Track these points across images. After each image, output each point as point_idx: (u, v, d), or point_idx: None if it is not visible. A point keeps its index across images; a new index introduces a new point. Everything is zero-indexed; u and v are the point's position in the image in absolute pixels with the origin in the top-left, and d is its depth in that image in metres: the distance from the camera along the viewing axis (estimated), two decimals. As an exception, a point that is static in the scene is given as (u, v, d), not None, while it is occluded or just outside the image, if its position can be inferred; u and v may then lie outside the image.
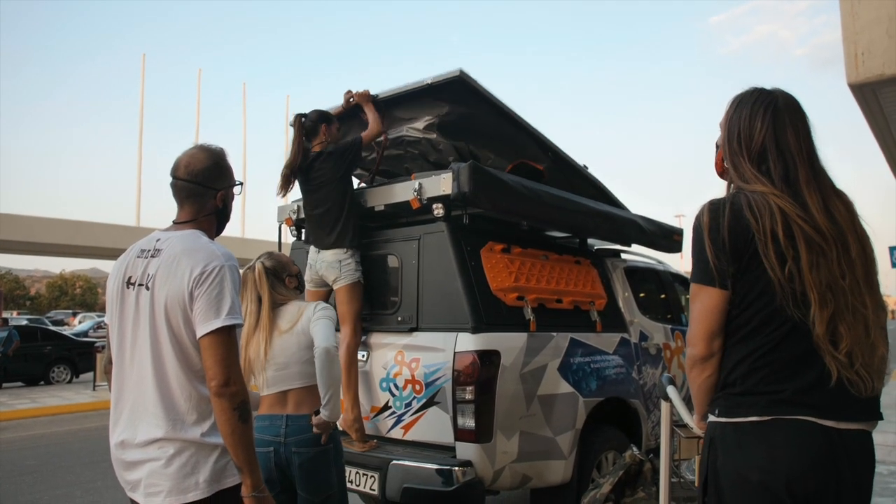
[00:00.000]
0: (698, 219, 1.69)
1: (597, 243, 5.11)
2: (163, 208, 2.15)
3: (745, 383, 1.62)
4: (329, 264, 3.77)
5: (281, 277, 2.88)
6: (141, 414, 1.89)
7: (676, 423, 2.15)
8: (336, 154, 3.86)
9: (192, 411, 1.88)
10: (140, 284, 1.91)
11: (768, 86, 1.79)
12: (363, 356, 3.81)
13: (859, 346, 1.58)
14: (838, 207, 1.65)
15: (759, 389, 1.60)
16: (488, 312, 3.50)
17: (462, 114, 4.09)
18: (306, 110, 4.04)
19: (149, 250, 1.95)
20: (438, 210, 3.60)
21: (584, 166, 4.89)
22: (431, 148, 4.34)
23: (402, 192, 3.77)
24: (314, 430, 2.63)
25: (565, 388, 3.77)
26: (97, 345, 14.71)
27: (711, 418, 1.71)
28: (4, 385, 14.52)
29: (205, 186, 2.01)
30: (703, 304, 1.68)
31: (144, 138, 33.17)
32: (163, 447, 1.86)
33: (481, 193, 3.53)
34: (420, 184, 3.66)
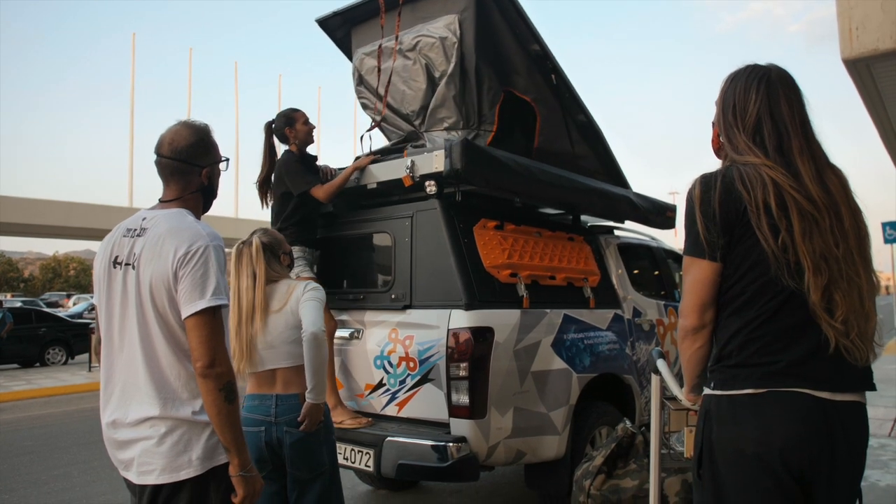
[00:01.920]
0: (690, 192, 1.70)
1: (591, 220, 5.10)
2: (155, 188, 2.11)
3: (741, 355, 1.63)
4: None
5: (276, 254, 2.86)
6: (132, 393, 1.88)
7: (666, 396, 2.16)
8: (283, 176, 3.92)
9: (183, 389, 1.87)
10: (126, 264, 1.89)
11: (763, 62, 1.79)
12: (358, 333, 3.81)
13: (854, 314, 1.58)
14: (832, 179, 1.66)
15: (754, 361, 1.61)
16: (481, 289, 3.49)
17: (481, 21, 4.07)
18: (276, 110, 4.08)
19: (135, 229, 1.93)
20: (431, 187, 3.58)
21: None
22: (444, 57, 4.16)
23: (395, 169, 3.75)
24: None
25: (559, 364, 3.78)
26: (91, 326, 14.70)
27: (707, 391, 1.72)
28: (0, 367, 14.54)
29: (189, 164, 1.97)
30: (695, 276, 1.69)
31: (136, 119, 32.84)
32: (154, 426, 1.85)
33: (473, 170, 3.51)
34: (412, 161, 3.64)
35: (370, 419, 3.68)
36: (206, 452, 1.88)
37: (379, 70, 4.43)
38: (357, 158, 4.09)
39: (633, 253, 5.15)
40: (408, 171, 3.62)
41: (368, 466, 3.53)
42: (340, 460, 3.65)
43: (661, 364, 2.12)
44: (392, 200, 3.99)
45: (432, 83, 4.22)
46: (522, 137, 4.42)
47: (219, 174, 2.09)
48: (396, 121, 4.50)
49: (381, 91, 4.42)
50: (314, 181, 3.85)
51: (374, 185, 3.88)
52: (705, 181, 1.68)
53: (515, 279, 3.70)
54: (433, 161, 3.54)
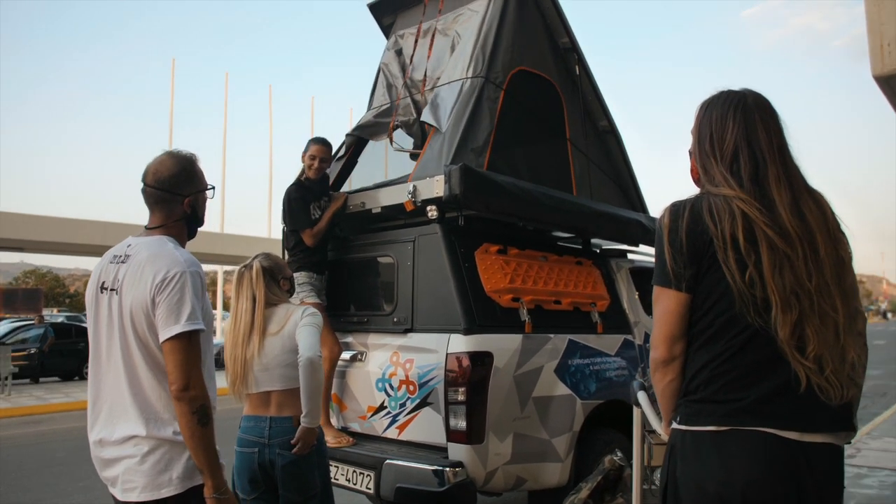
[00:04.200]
0: (660, 220, 1.67)
1: (605, 243, 5.08)
2: None
3: (706, 390, 1.59)
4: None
5: (276, 278, 2.92)
6: (118, 413, 1.96)
7: (648, 430, 2.13)
8: (285, 212, 4.10)
9: (164, 410, 1.93)
10: (111, 289, 1.97)
11: (736, 87, 1.76)
12: (361, 355, 3.86)
13: (828, 350, 1.52)
14: (809, 206, 1.60)
15: (719, 398, 1.56)
16: (481, 314, 3.50)
17: (517, 5, 4.27)
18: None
19: (120, 256, 2.01)
20: (432, 212, 3.62)
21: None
22: (466, 26, 4.37)
23: (397, 194, 3.80)
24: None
25: (562, 390, 3.75)
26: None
27: (674, 425, 1.68)
28: (41, 380, 15.02)
29: (172, 193, 2.05)
30: (663, 307, 1.66)
31: (174, 140, 33.80)
32: (138, 444, 1.92)
33: (473, 195, 3.53)
34: (414, 186, 3.68)
35: (353, 439, 3.73)
36: (186, 472, 1.93)
37: (415, 44, 4.59)
38: (333, 199, 4.22)
39: (647, 277, 5.07)
40: (410, 195, 3.67)
41: (369, 489, 3.55)
42: (343, 482, 3.68)
43: (641, 397, 2.09)
44: (397, 224, 4.04)
45: (454, 51, 4.39)
46: (545, 123, 4.56)
47: (203, 202, 2.16)
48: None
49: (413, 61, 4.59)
50: (305, 224, 3.98)
51: (379, 210, 3.94)
52: (674, 210, 1.65)
53: (517, 304, 3.69)
54: (434, 186, 3.58)
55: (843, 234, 1.65)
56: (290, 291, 3.02)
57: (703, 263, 1.60)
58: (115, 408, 1.97)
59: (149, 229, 2.07)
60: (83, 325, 18.64)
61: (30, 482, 6.22)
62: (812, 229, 1.57)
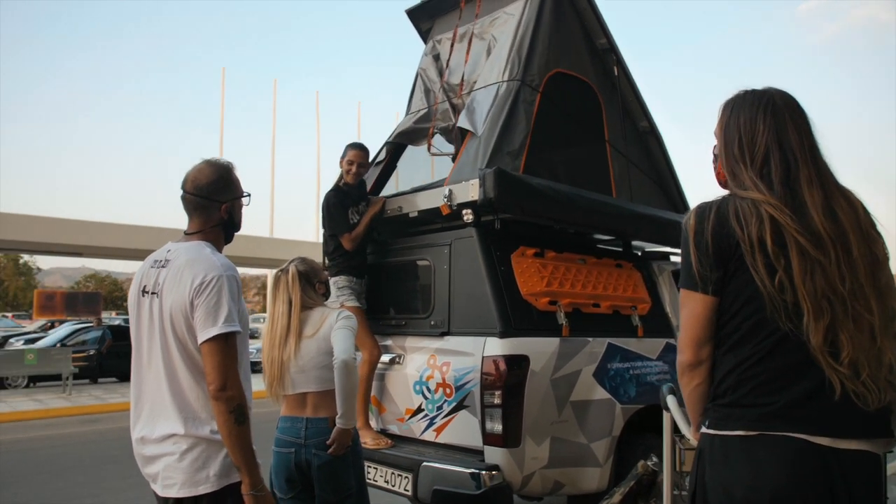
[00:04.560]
0: (685, 222, 1.65)
1: (648, 246, 5.00)
2: (245, 212, 2.30)
3: (734, 394, 1.56)
4: None
5: (312, 282, 2.98)
6: (159, 412, 2.04)
7: (678, 435, 2.09)
8: (324, 218, 4.17)
9: (202, 410, 2.01)
10: (152, 293, 2.05)
11: (759, 86, 1.72)
12: (399, 358, 3.90)
13: (864, 354, 1.47)
14: (842, 205, 1.56)
15: (748, 401, 1.54)
16: (517, 317, 3.50)
17: (553, 7, 4.30)
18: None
19: (160, 261, 2.09)
20: (468, 216, 3.64)
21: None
22: (502, 30, 4.40)
23: (434, 198, 3.83)
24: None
25: (601, 394, 3.71)
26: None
27: (702, 429, 1.66)
28: (100, 380, 15.61)
29: (210, 199, 2.13)
30: (690, 310, 1.64)
31: (224, 147, 34.70)
32: (177, 443, 2.00)
33: (507, 199, 3.53)
34: (450, 190, 3.71)
35: (391, 441, 3.76)
36: (222, 470, 2.00)
37: (451, 48, 4.63)
38: (373, 202, 4.25)
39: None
40: (445, 199, 3.69)
41: (407, 490, 3.58)
42: (381, 483, 3.73)
43: (670, 401, 2.06)
44: (434, 228, 4.07)
45: (490, 55, 4.41)
46: (583, 125, 4.55)
47: (240, 208, 2.23)
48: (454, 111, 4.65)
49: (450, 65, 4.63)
50: (343, 228, 4.03)
51: (416, 214, 3.98)
52: (700, 212, 1.62)
53: (555, 307, 3.67)
54: (469, 190, 3.59)
55: (877, 232, 1.60)
56: (326, 295, 3.08)
57: (729, 266, 1.57)
58: (156, 407, 2.05)
59: (188, 234, 2.15)
60: (139, 327, 19.29)
61: (85, 478, 6.49)
62: (845, 229, 1.53)
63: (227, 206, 2.16)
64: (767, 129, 1.63)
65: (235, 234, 2.26)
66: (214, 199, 2.13)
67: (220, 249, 2.15)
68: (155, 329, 2.05)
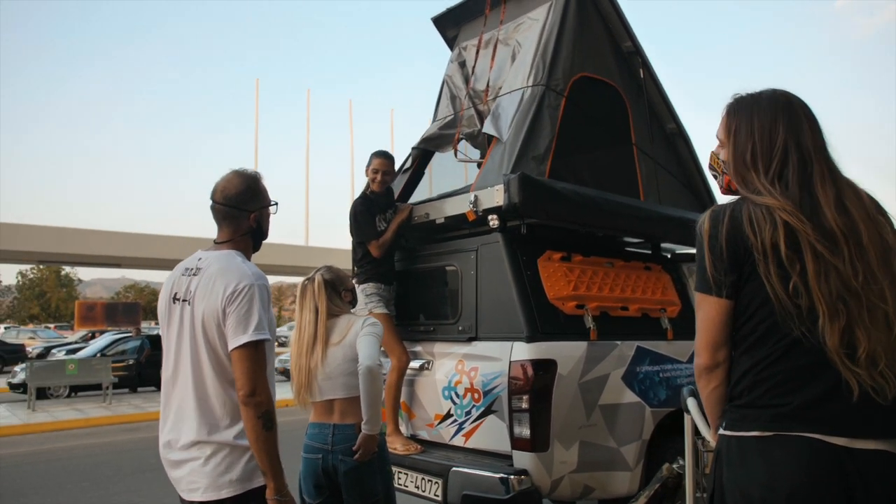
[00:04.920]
0: (700, 226, 1.66)
1: (678, 248, 4.96)
2: (276, 222, 2.36)
3: (750, 395, 1.57)
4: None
5: (338, 290, 3.02)
6: (184, 418, 2.10)
7: (699, 437, 2.08)
8: (351, 225, 4.23)
9: (226, 416, 2.06)
10: (184, 300, 2.12)
11: (755, 89, 1.72)
12: (428, 364, 3.93)
13: (881, 345, 1.47)
14: (850, 198, 1.57)
15: (764, 402, 1.54)
16: (545, 321, 3.50)
17: (572, 7, 4.31)
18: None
19: (192, 269, 2.16)
20: (494, 221, 3.66)
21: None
22: (526, 35, 4.44)
23: (459, 204, 3.86)
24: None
25: (630, 397, 3.69)
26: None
27: (720, 431, 1.66)
28: (139, 389, 15.94)
29: (239, 209, 2.19)
30: (705, 313, 1.65)
31: (259, 157, 35.27)
32: (201, 448, 2.05)
33: (532, 203, 3.55)
34: (475, 196, 3.73)
35: (421, 446, 3.78)
36: (245, 474, 2.05)
37: (477, 54, 4.66)
38: (401, 209, 4.29)
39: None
40: (471, 205, 3.72)
41: (437, 496, 3.60)
42: (412, 489, 3.75)
43: (691, 403, 2.05)
44: (461, 234, 4.10)
45: (514, 61, 4.43)
46: (610, 128, 4.54)
47: (267, 217, 2.29)
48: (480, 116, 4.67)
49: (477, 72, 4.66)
50: (371, 236, 4.07)
51: (442, 220, 4.01)
52: (714, 216, 1.63)
53: (582, 311, 3.67)
54: (494, 195, 3.62)
55: (884, 216, 1.60)
56: (353, 303, 3.12)
57: (744, 270, 1.58)
58: (182, 412, 2.10)
59: (217, 243, 2.21)
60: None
61: (123, 486, 6.64)
62: (855, 219, 1.54)
63: (255, 215, 2.21)
64: (786, 131, 1.63)
65: (269, 242, 2.31)
66: (243, 208, 2.19)
67: (248, 257, 2.21)
68: (185, 335, 2.11)
